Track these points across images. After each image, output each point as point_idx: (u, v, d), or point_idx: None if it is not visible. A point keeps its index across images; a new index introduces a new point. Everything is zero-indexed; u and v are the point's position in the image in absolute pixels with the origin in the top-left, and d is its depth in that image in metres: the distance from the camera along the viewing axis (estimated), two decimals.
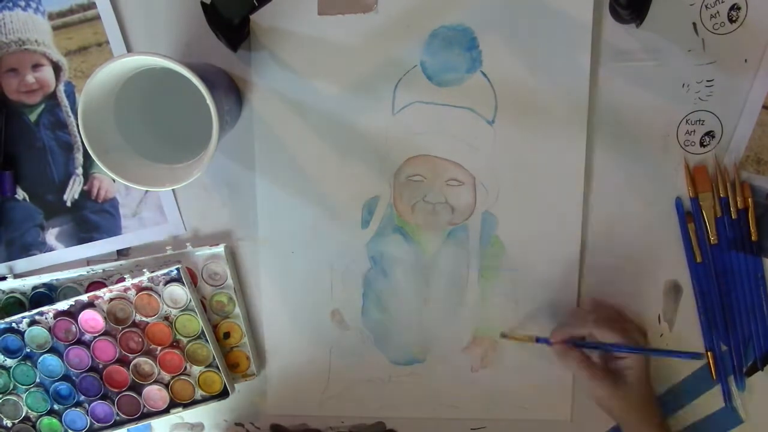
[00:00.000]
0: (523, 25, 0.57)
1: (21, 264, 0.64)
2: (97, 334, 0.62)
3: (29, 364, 0.63)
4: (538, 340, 0.61)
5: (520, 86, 0.58)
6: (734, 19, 0.56)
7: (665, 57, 0.57)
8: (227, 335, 0.64)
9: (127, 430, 0.65)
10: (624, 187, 0.60)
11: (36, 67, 0.61)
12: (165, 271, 0.61)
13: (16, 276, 0.64)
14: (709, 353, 0.61)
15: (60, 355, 0.63)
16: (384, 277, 0.63)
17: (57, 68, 0.61)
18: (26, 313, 0.62)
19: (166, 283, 0.62)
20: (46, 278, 0.63)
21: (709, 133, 0.58)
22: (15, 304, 0.64)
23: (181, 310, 0.62)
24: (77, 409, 0.64)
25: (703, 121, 0.58)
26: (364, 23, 0.58)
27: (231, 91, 0.58)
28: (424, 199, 0.61)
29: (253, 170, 0.61)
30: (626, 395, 0.56)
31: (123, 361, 0.63)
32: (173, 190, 0.63)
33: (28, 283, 0.64)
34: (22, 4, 0.60)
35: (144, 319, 0.62)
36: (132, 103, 0.55)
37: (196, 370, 0.63)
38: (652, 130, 0.59)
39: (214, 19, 0.54)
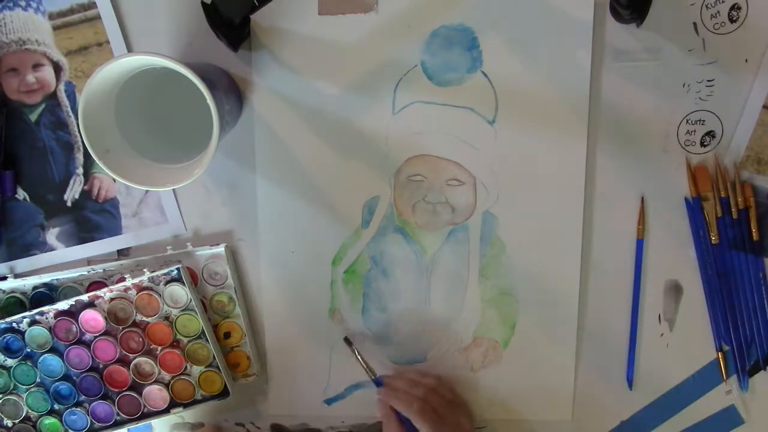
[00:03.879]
0: (523, 24, 0.57)
1: (21, 264, 0.64)
2: (97, 334, 0.62)
3: (30, 363, 0.63)
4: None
5: (521, 86, 0.58)
6: (735, 18, 0.56)
7: (666, 57, 0.57)
8: (227, 335, 0.64)
9: (128, 430, 0.65)
10: (624, 187, 0.60)
11: (36, 66, 0.61)
12: (165, 270, 0.61)
13: (17, 276, 0.64)
14: (719, 353, 0.61)
15: (60, 354, 0.63)
16: (384, 277, 0.63)
17: (57, 68, 0.61)
18: (27, 313, 0.62)
19: (167, 282, 0.62)
20: (46, 278, 0.63)
21: (710, 133, 0.58)
22: (15, 303, 0.64)
23: (182, 310, 0.62)
24: (78, 409, 0.64)
25: (704, 120, 0.58)
26: (364, 23, 0.58)
27: (231, 91, 0.58)
28: (425, 199, 0.61)
29: (253, 170, 0.61)
30: None
31: (123, 361, 0.63)
32: (174, 190, 0.63)
33: (28, 282, 0.64)
34: (23, 4, 0.60)
35: (144, 318, 0.62)
36: (132, 103, 0.55)
37: (196, 369, 0.63)
38: (653, 130, 0.59)
39: (214, 19, 0.54)
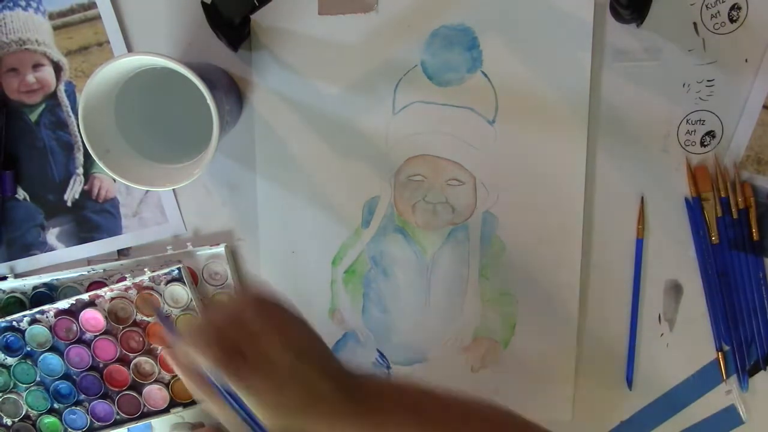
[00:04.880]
0: (523, 24, 0.57)
1: (21, 264, 0.64)
2: (97, 333, 0.63)
3: (30, 362, 0.63)
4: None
5: (521, 86, 0.58)
6: (735, 18, 0.56)
7: (666, 57, 0.57)
8: None
9: (128, 429, 0.65)
10: (624, 187, 0.60)
11: (36, 66, 0.61)
12: (166, 270, 0.61)
13: (17, 276, 0.64)
14: (719, 353, 0.61)
15: (60, 354, 0.63)
16: (384, 277, 0.63)
17: (57, 68, 0.61)
18: (27, 312, 0.62)
19: (167, 282, 0.62)
20: (46, 278, 0.63)
21: (710, 133, 0.58)
22: (15, 304, 0.64)
23: (182, 310, 0.62)
24: (77, 408, 0.64)
25: (704, 120, 0.58)
26: (364, 23, 0.58)
27: (231, 91, 0.58)
28: (425, 199, 0.61)
29: (253, 170, 0.61)
30: None
31: (123, 361, 0.63)
32: (174, 190, 0.63)
33: (28, 282, 0.64)
34: (23, 3, 0.60)
35: (145, 318, 0.62)
36: (132, 103, 0.55)
37: None
38: (653, 130, 0.59)
39: (214, 19, 0.54)
